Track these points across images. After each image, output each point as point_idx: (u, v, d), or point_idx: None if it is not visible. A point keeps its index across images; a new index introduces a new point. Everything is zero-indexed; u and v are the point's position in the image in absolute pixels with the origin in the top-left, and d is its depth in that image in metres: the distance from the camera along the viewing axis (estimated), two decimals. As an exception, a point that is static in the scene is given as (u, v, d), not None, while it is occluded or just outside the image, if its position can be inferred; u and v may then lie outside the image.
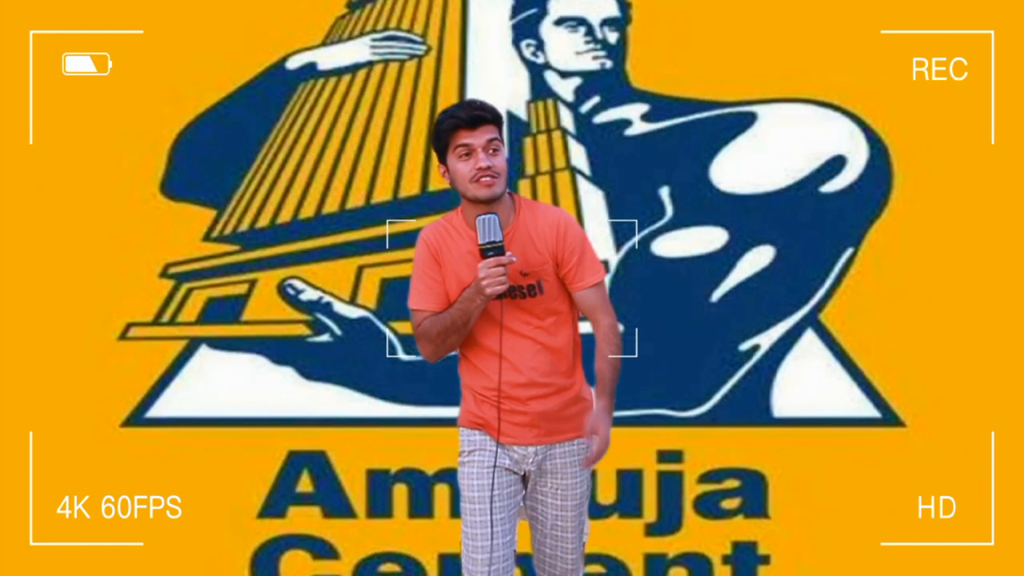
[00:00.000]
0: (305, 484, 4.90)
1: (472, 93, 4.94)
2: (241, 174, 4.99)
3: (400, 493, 4.91)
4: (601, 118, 5.01)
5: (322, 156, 5.00)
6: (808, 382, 4.91)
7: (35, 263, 4.87)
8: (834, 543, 4.87)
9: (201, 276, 4.95)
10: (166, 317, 4.93)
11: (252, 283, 4.97)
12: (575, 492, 3.31)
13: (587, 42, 5.00)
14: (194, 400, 4.92)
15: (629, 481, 4.89)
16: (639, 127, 4.98)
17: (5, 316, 4.87)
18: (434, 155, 3.29)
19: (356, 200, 4.96)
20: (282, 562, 4.90)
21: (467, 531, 3.23)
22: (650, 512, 4.90)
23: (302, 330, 4.94)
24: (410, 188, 4.93)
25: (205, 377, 4.93)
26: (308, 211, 4.98)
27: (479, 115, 3.16)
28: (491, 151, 3.16)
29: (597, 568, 4.86)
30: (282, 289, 4.96)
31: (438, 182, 4.91)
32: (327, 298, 4.94)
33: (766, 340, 4.91)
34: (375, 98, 5.01)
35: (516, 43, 5.03)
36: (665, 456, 4.91)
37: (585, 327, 3.41)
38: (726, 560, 4.90)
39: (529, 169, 4.98)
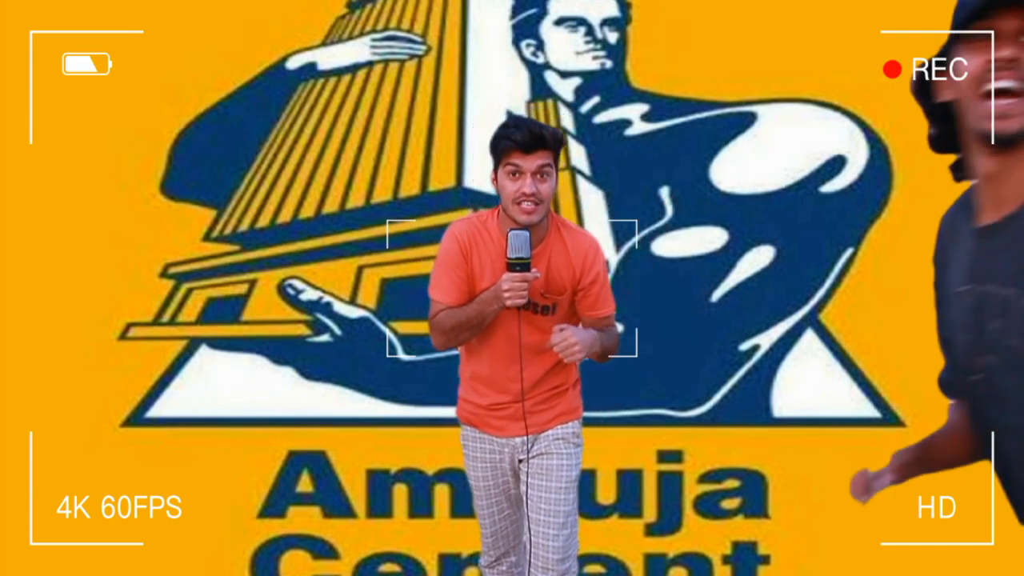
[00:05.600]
0: (305, 484, 4.90)
1: (472, 93, 4.95)
2: (241, 174, 4.99)
3: (400, 493, 4.91)
4: (601, 118, 5.01)
5: (322, 156, 5.00)
6: (808, 382, 4.91)
7: (35, 263, 4.87)
8: (834, 543, 4.87)
9: (201, 276, 4.95)
10: (166, 317, 4.93)
11: (252, 283, 4.98)
12: (559, 474, 3.41)
13: (587, 42, 5.00)
14: (194, 400, 4.92)
15: (629, 481, 4.89)
16: (639, 127, 4.98)
17: (5, 316, 4.87)
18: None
19: (356, 200, 4.96)
20: (282, 562, 4.90)
21: (478, 511, 3.64)
22: (650, 512, 4.90)
23: (302, 330, 4.94)
24: (410, 188, 4.93)
25: (205, 377, 4.93)
26: (308, 211, 4.98)
27: (536, 140, 3.23)
28: (540, 176, 3.24)
29: (597, 568, 4.85)
30: (282, 289, 4.96)
31: (438, 182, 4.91)
32: (327, 298, 4.94)
33: (766, 340, 4.91)
34: (375, 98, 5.01)
35: (516, 43, 5.03)
36: (665, 456, 4.91)
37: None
38: (726, 560, 4.90)
39: (529, 169, 4.98)
